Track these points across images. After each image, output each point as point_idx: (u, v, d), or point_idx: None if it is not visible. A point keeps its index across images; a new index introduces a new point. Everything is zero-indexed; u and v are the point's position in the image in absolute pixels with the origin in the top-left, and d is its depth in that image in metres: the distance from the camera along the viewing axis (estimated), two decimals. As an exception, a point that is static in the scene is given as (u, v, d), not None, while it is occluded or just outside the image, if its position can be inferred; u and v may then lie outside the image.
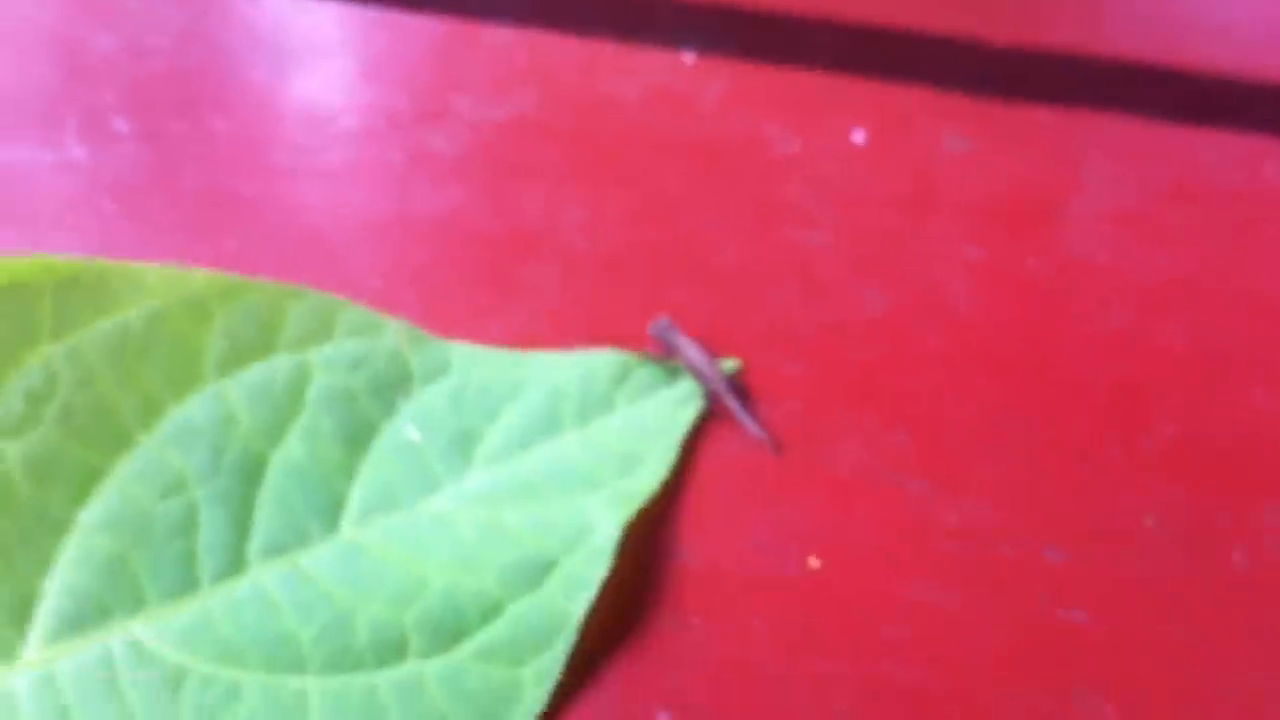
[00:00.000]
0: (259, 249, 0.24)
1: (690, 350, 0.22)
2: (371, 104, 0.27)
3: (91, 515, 0.18)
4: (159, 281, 0.19)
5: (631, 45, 0.28)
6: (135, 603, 0.18)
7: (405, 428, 0.20)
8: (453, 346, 0.20)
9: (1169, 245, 0.25)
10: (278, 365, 0.19)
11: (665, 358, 0.22)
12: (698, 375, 0.22)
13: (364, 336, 0.20)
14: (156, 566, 0.18)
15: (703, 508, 0.21)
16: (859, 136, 0.26)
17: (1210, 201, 0.25)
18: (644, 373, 0.21)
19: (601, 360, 0.21)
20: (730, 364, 0.22)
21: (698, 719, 0.19)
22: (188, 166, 0.25)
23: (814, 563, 0.20)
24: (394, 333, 0.20)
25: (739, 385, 0.22)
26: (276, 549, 0.18)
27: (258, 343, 0.19)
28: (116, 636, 0.17)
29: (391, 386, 0.20)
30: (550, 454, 0.20)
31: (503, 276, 0.24)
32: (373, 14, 0.28)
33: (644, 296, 0.24)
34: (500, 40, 0.28)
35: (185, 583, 0.18)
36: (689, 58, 0.27)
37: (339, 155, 0.26)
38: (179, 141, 0.26)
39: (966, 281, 0.24)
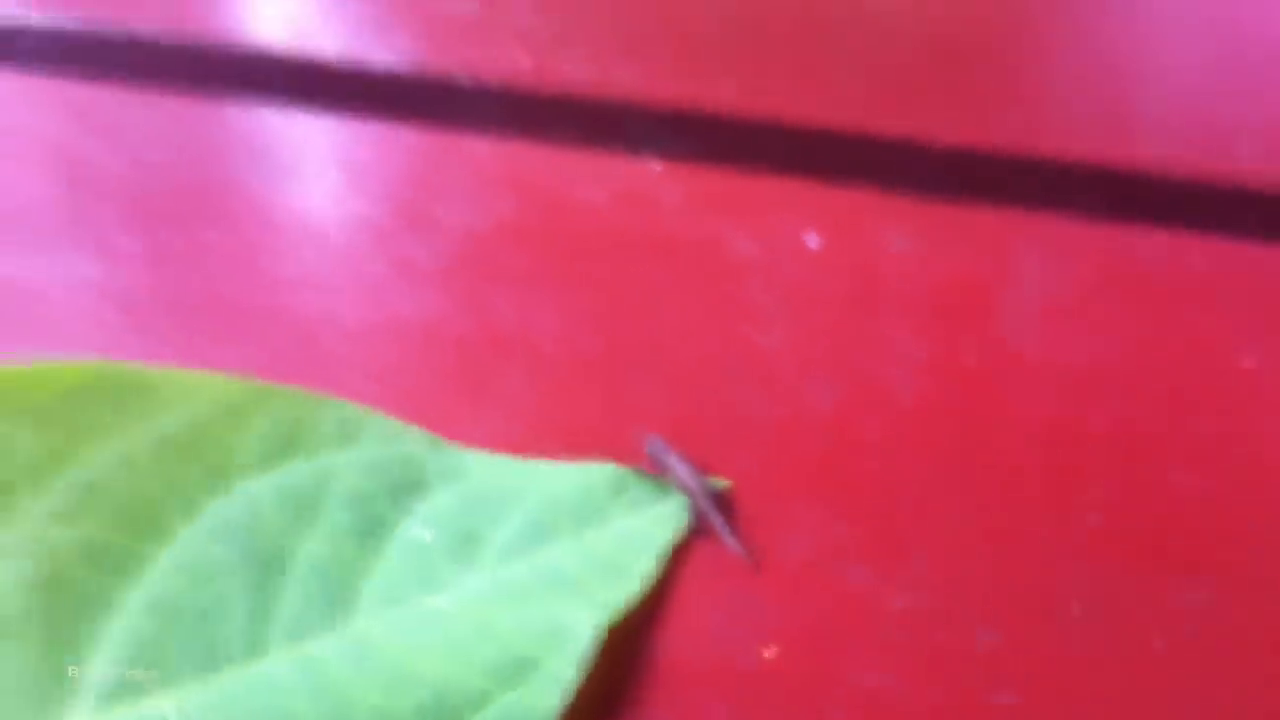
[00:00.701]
0: (255, 354, 0.26)
1: (680, 468, 0.23)
2: (357, 214, 0.29)
3: (136, 599, 0.20)
4: (202, 386, 0.21)
5: (601, 153, 0.30)
6: (167, 680, 0.20)
7: (418, 528, 0.22)
8: (467, 454, 0.22)
9: (1097, 336, 0.27)
10: (303, 468, 0.21)
11: (658, 474, 0.24)
12: (687, 492, 0.23)
13: (385, 443, 0.22)
14: (188, 648, 0.20)
15: (667, 605, 0.23)
16: (812, 239, 0.28)
17: (1136, 294, 0.27)
18: (638, 489, 0.23)
19: (601, 474, 0.23)
20: (719, 483, 0.24)
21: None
22: (187, 278, 0.27)
23: (769, 653, 0.22)
24: (414, 440, 0.22)
25: (725, 503, 0.24)
26: (293, 636, 0.20)
27: (288, 446, 0.21)
28: (149, 711, 0.19)
29: (407, 489, 0.22)
30: (544, 560, 0.22)
31: (479, 379, 0.26)
32: (358, 126, 0.30)
33: (610, 395, 0.26)
34: (478, 150, 0.30)
35: (211, 663, 0.20)
36: (655, 165, 0.30)
37: (329, 266, 0.28)
38: (178, 254, 0.28)
39: (908, 375, 0.26)
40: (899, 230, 0.28)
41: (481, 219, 0.29)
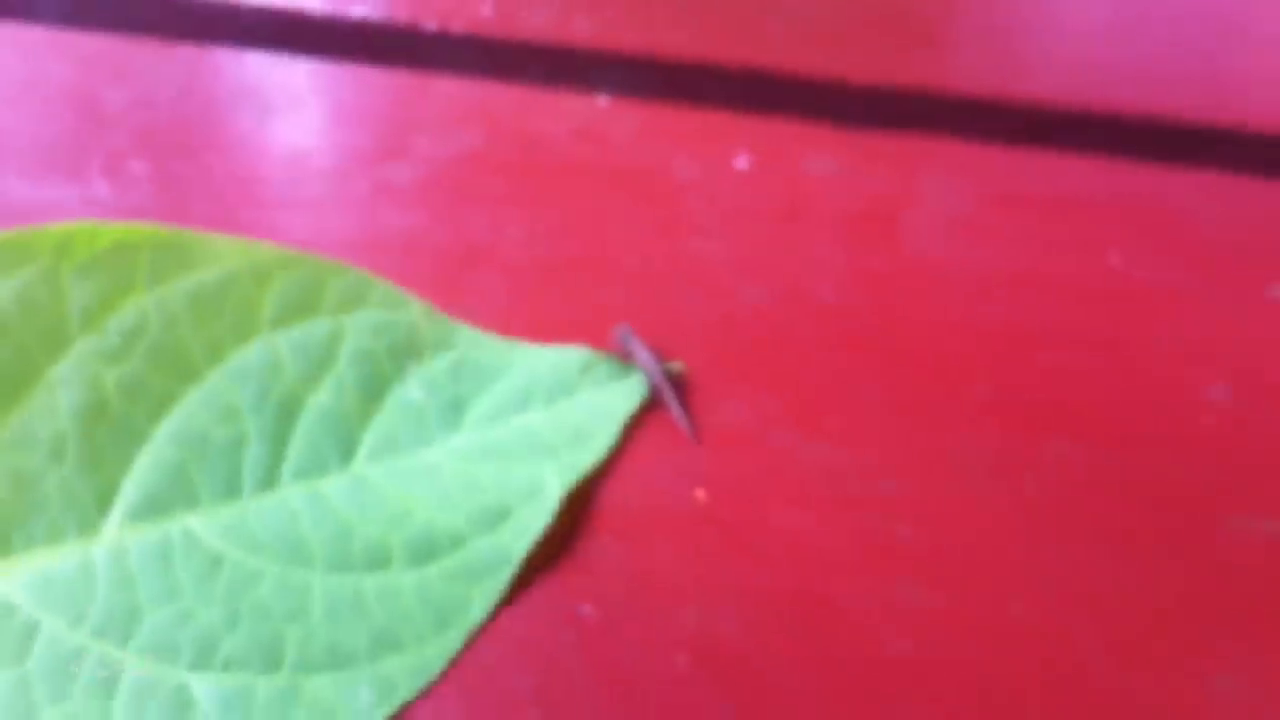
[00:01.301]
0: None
1: (641, 353, 0.27)
2: (341, 144, 0.32)
3: (165, 430, 0.23)
4: (232, 249, 0.23)
5: (558, 91, 0.34)
6: (191, 501, 0.22)
7: (413, 389, 0.24)
8: (459, 327, 0.25)
9: (988, 244, 0.31)
10: (319, 325, 0.24)
11: (623, 356, 0.27)
12: (646, 372, 0.27)
13: (390, 309, 0.24)
14: (210, 476, 0.23)
15: (621, 459, 0.27)
16: (742, 163, 0.32)
17: (1022, 207, 0.32)
18: (603, 367, 0.26)
19: (572, 354, 0.26)
20: (675, 366, 0.28)
21: (616, 614, 0.24)
22: (193, 200, 0.31)
23: (700, 495, 0.26)
24: (415, 309, 0.25)
25: (679, 382, 0.28)
26: (303, 474, 0.23)
27: (305, 305, 0.24)
28: (175, 526, 0.22)
29: (406, 353, 0.24)
30: (521, 425, 0.25)
31: (456, 285, 0.30)
32: (340, 68, 0.34)
33: (572, 297, 0.29)
34: (448, 89, 0.34)
35: (231, 490, 0.23)
36: (604, 100, 0.33)
37: (316, 188, 0.31)
38: (184, 179, 0.31)
39: (828, 277, 0.30)
40: (819, 155, 0.32)
41: (452, 148, 0.32)
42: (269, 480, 0.23)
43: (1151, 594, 0.25)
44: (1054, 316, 0.30)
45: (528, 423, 0.25)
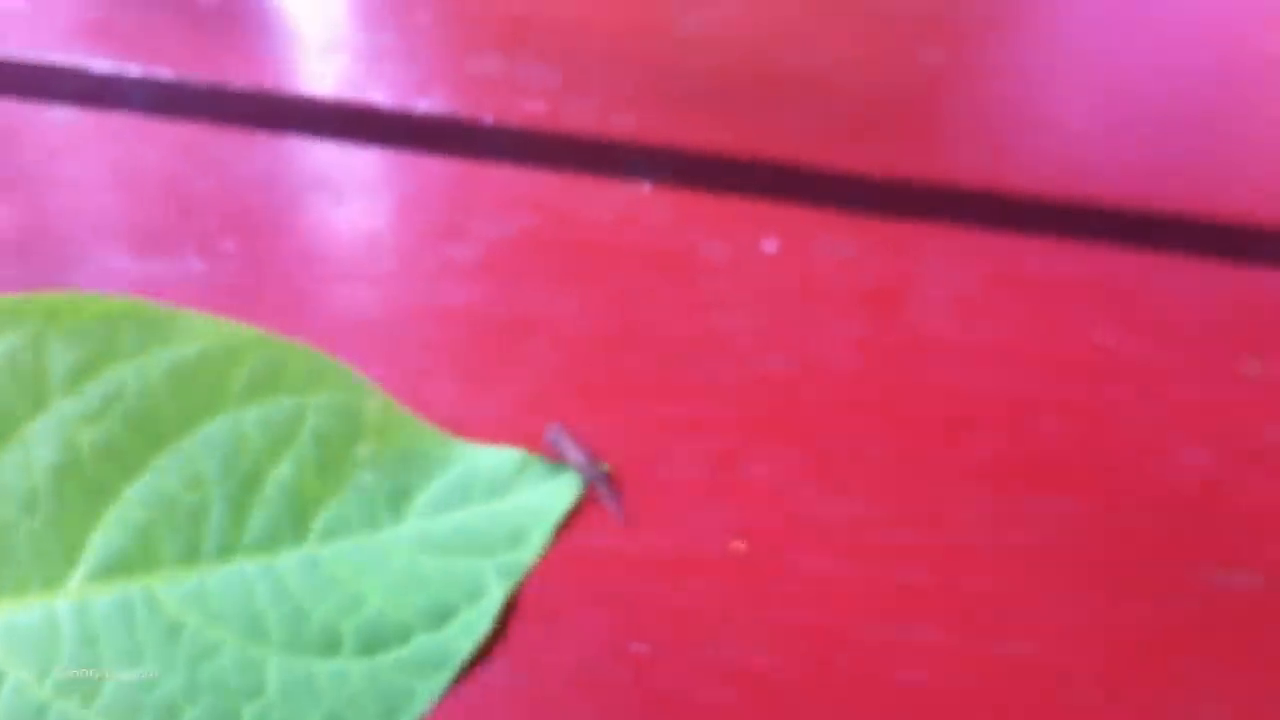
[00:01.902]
0: (333, 332, 0.33)
1: (573, 453, 0.29)
2: (407, 226, 0.36)
3: (134, 492, 0.23)
4: (208, 328, 0.24)
5: (602, 179, 0.37)
6: (153, 562, 0.23)
7: (364, 473, 0.25)
8: (408, 417, 0.25)
9: (989, 320, 0.35)
10: (283, 403, 0.24)
11: (555, 456, 0.28)
12: (580, 470, 0.29)
13: (347, 393, 0.25)
14: (173, 539, 0.23)
15: (667, 514, 0.30)
16: (770, 246, 0.36)
17: (1019, 288, 0.35)
18: (537, 468, 0.26)
19: (509, 455, 0.26)
20: (604, 466, 0.30)
21: (665, 650, 0.28)
22: (276, 275, 0.35)
23: (739, 545, 0.29)
24: (369, 395, 0.25)
25: (610, 478, 0.30)
26: (260, 546, 0.24)
27: (271, 383, 0.24)
28: (137, 587, 0.23)
29: (360, 436, 0.25)
30: (462, 520, 0.25)
31: (511, 353, 0.33)
32: (406, 157, 0.38)
33: (616, 364, 0.33)
34: (504, 177, 0.37)
35: (191, 555, 0.23)
36: (645, 188, 0.37)
37: (385, 265, 0.35)
38: (268, 257, 0.35)
39: (844, 349, 0.34)
40: (839, 239, 0.36)
41: (507, 230, 0.36)
42: (228, 549, 0.24)
43: (1140, 633, 0.28)
44: (1047, 386, 0.33)
45: (468, 518, 0.25)
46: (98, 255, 0.34)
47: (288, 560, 0.24)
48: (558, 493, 0.26)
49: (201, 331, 0.24)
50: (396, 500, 0.25)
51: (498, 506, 0.25)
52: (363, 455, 0.25)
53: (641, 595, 0.28)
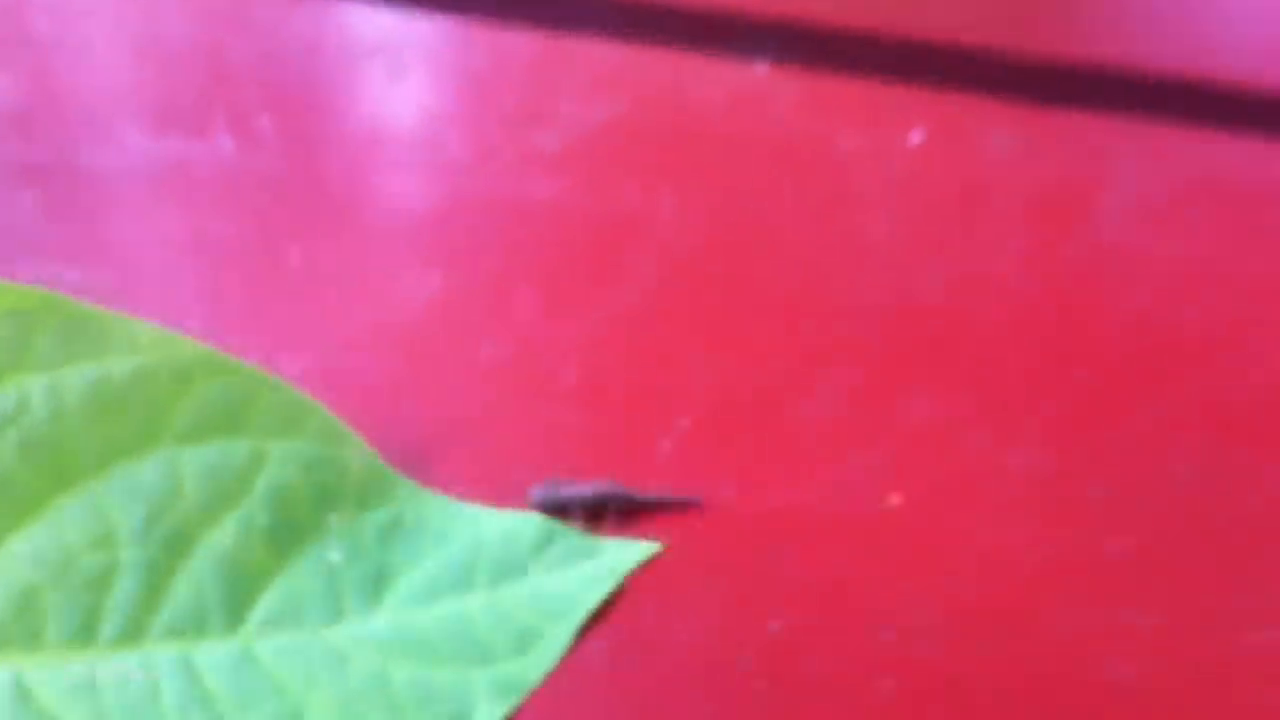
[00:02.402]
0: (386, 231, 0.27)
1: (574, 505, 0.23)
2: (481, 107, 0.30)
3: (21, 545, 0.18)
4: (152, 342, 0.19)
5: (711, 57, 0.31)
6: (33, 640, 0.18)
7: (330, 547, 0.19)
8: (399, 479, 0.20)
9: (1189, 234, 0.28)
10: (237, 448, 0.19)
11: (549, 513, 0.22)
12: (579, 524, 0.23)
13: (325, 443, 0.20)
14: (63, 611, 0.18)
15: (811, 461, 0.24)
16: (916, 137, 0.30)
17: (1222, 197, 0.29)
18: (564, 544, 0.21)
19: (527, 524, 0.20)
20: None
21: (807, 632, 0.22)
22: (322, 160, 0.29)
23: (894, 500, 0.24)
24: (353, 448, 0.20)
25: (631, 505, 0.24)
26: (176, 631, 0.18)
27: (225, 421, 0.19)
28: (6, 669, 0.17)
29: (332, 500, 0.20)
30: (453, 612, 0.19)
31: (602, 258, 0.27)
32: (480, 27, 0.32)
33: (727, 276, 0.27)
34: (595, 52, 0.31)
35: (83, 636, 0.18)
36: (762, 68, 0.31)
37: (456, 151, 0.29)
38: (312, 138, 0.29)
39: (1010, 266, 0.28)
40: (999, 133, 0.30)
41: (600, 115, 0.30)
42: (133, 632, 0.18)
43: None
44: (1256, 312, 0.27)
45: (463, 611, 0.20)
46: (110, 131, 0.28)
47: (212, 653, 0.18)
48: (589, 580, 0.20)
49: (141, 344, 0.19)
50: (371, 584, 0.19)
51: (505, 594, 0.20)
52: (333, 524, 0.20)
53: (775, 563, 0.22)
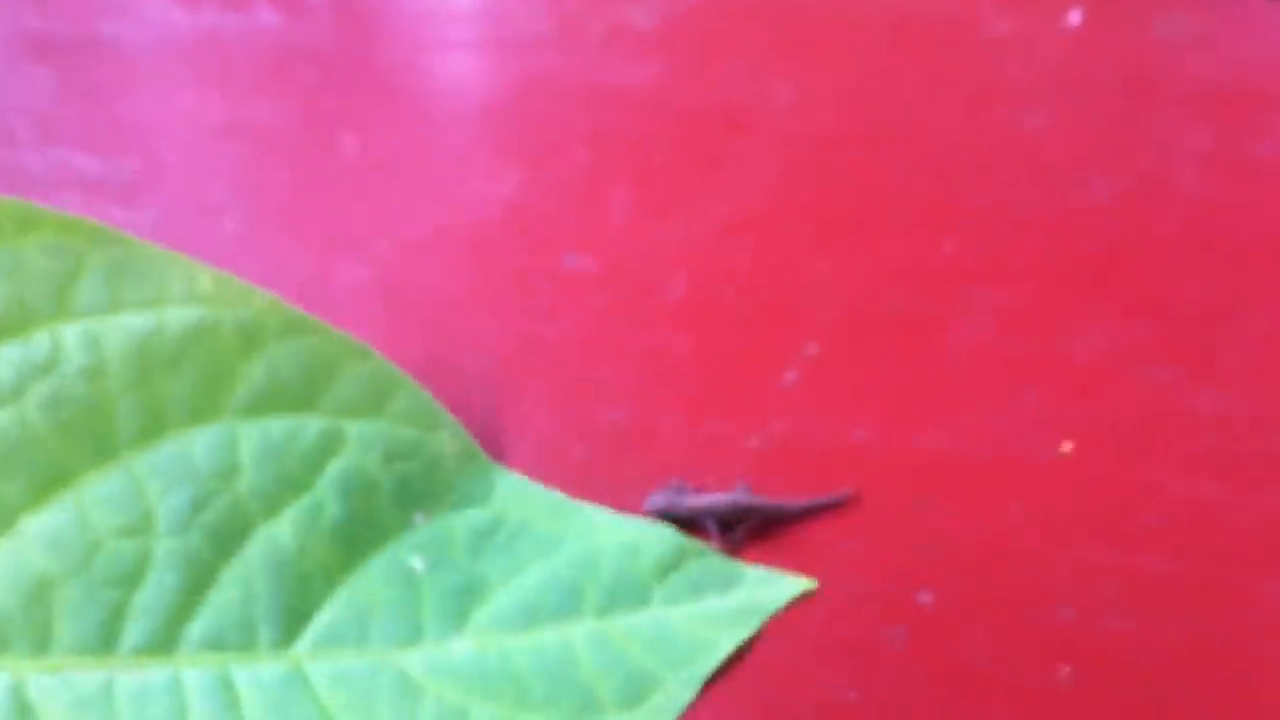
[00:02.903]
0: (451, 116, 0.23)
1: (703, 510, 0.19)
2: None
3: (37, 525, 0.15)
4: (216, 290, 0.16)
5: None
6: (41, 642, 0.15)
7: (411, 551, 0.16)
8: (500, 473, 0.17)
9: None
10: (309, 425, 0.16)
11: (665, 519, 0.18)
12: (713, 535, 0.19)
13: (415, 425, 0.16)
14: (80, 610, 0.15)
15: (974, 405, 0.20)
16: (1075, 18, 0.25)
17: None
18: (698, 567, 0.17)
19: (654, 538, 0.17)
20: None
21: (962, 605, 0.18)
22: (376, 36, 0.25)
23: (1066, 448, 0.20)
24: (447, 432, 0.16)
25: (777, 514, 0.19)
26: (214, 643, 0.15)
27: (300, 392, 0.16)
28: (4, 676, 0.15)
29: (420, 495, 0.16)
30: (555, 643, 0.16)
31: (710, 155, 0.23)
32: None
33: (853, 177, 0.23)
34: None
35: (102, 641, 0.15)
36: (891, -67, 0.26)
37: (532, 27, 0.25)
38: (366, 10, 0.25)
39: (1192, 167, 0.23)
40: (1170, 13, 0.25)
41: (701, -14, 0.26)
42: (163, 641, 0.15)
43: None
44: None
45: (565, 640, 0.16)
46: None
47: (256, 673, 0.15)
48: (728, 616, 0.17)
49: (202, 292, 0.16)
50: (457, 600, 0.16)
51: (619, 626, 0.16)
52: (417, 523, 0.16)
53: (932, 519, 0.18)
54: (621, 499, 0.17)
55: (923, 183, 0.23)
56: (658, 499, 0.18)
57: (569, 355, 0.21)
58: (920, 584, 0.18)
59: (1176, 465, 0.20)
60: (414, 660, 0.15)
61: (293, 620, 0.15)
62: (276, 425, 0.16)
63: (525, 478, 0.17)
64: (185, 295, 0.16)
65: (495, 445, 0.19)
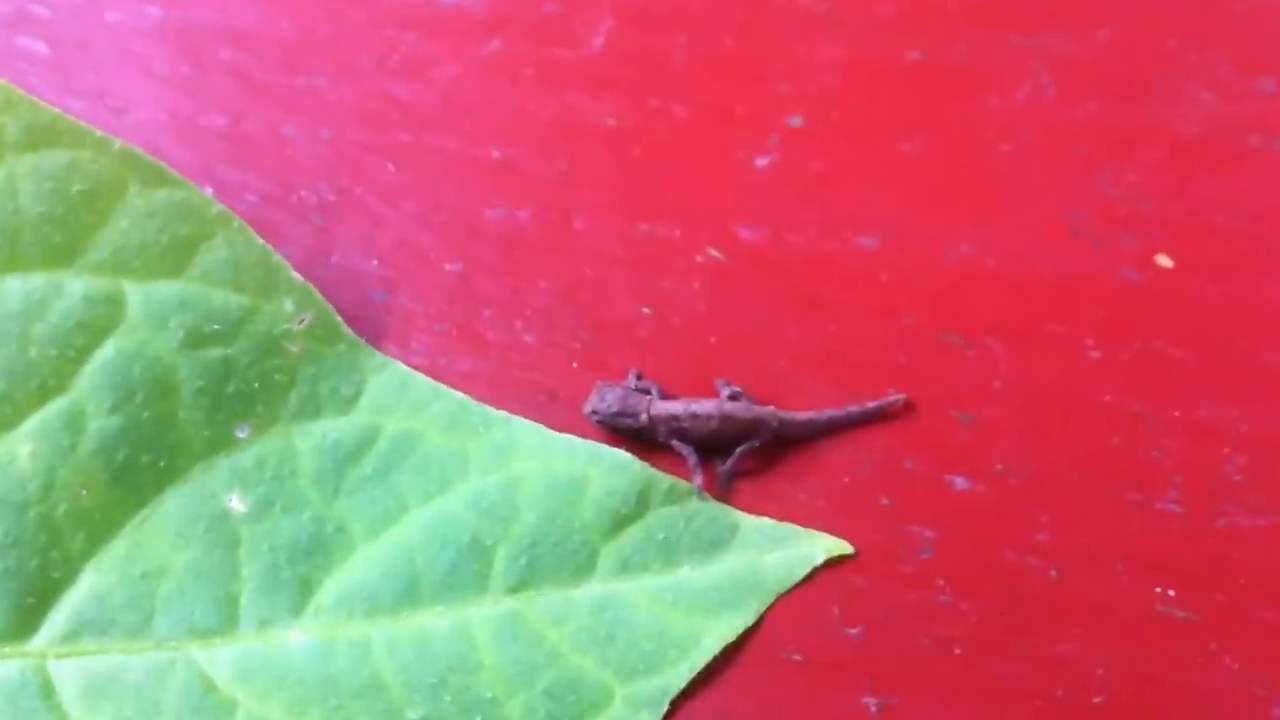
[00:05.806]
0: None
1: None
2: None
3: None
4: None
5: None
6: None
7: (227, 487, 0.14)
8: (375, 362, 0.13)
9: None
10: (63, 286, 0.12)
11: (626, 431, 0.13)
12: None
13: (236, 289, 0.13)
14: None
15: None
16: None
17: None
18: (669, 516, 0.13)
19: (602, 467, 0.13)
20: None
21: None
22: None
23: (1163, 261, 0.16)
24: (291, 304, 0.13)
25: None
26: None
27: (51, 239, 0.12)
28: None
29: (242, 400, 0.13)
30: (442, 635, 0.13)
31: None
32: None
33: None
34: None
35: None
36: None
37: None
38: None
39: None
40: None
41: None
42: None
43: None
44: None
45: (459, 629, 0.13)
46: None
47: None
48: (718, 593, 0.13)
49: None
50: (297, 563, 0.13)
51: (542, 612, 0.13)
52: (241, 437, 0.13)
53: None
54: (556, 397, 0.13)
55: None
56: (606, 398, 0.13)
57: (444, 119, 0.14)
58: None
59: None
60: (219, 657, 0.12)
61: (33, 599, 0.12)
62: (12, 286, 0.12)
63: (412, 369, 0.13)
64: None
65: (372, 326, 0.14)
